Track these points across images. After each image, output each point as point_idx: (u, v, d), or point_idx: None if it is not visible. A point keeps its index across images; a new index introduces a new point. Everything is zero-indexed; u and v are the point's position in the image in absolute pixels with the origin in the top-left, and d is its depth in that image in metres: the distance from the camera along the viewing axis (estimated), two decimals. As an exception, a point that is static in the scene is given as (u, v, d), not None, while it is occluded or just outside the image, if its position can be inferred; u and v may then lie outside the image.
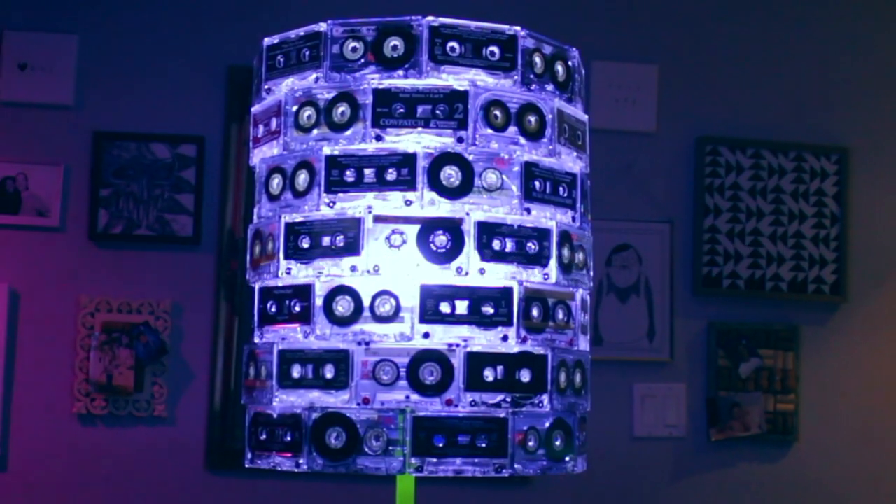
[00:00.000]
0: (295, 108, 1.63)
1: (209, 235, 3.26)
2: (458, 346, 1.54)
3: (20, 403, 3.16)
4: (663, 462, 3.39)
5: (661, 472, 3.39)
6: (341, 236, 1.56)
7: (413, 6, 3.24)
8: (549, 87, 1.66)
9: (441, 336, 1.54)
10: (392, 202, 1.56)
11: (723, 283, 3.43)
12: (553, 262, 1.61)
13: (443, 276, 1.55)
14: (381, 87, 1.58)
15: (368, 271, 1.55)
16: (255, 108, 1.73)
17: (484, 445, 1.54)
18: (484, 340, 1.55)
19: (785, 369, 3.44)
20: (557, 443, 1.60)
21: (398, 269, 1.55)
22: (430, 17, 1.59)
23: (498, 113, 1.60)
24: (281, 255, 1.61)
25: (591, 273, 1.72)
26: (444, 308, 1.55)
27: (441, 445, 1.53)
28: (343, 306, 1.56)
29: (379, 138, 1.58)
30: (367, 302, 1.55)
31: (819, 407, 3.46)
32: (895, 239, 3.56)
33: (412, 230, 1.55)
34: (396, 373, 1.53)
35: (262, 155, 1.70)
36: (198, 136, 3.28)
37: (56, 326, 3.19)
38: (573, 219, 1.67)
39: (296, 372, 1.58)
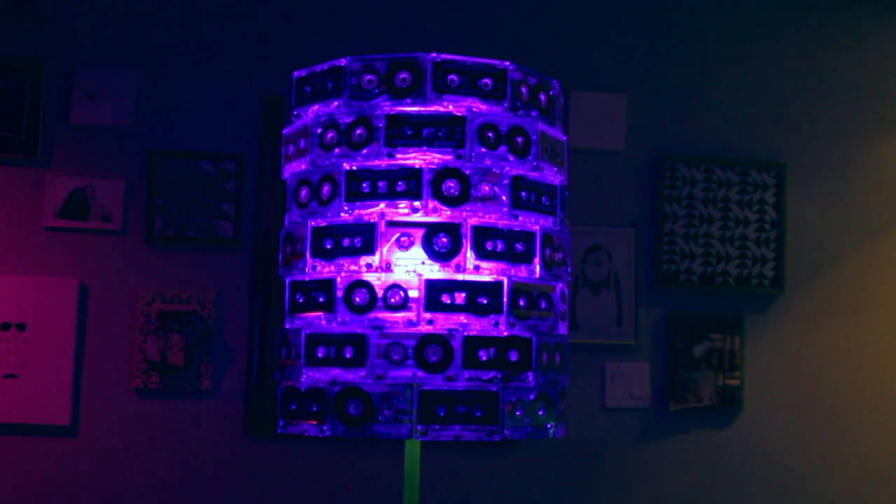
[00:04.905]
0: (320, 130, 1.63)
1: (247, 238, 3.26)
2: (457, 330, 1.54)
3: (89, 379, 3.16)
4: (630, 429, 3.39)
5: (628, 437, 3.39)
6: (359, 238, 1.56)
7: (418, 42, 3.25)
8: (534, 113, 1.66)
9: (443, 322, 1.54)
10: (401, 210, 1.56)
11: (679, 278, 3.43)
12: (537, 260, 1.61)
13: (444, 271, 1.55)
14: (392, 112, 1.58)
15: (381, 268, 1.55)
16: (286, 130, 1.73)
17: (479, 414, 1.54)
18: (479, 326, 1.55)
19: (732, 350, 3.44)
20: (541, 412, 1.60)
21: (406, 266, 1.55)
22: (434, 54, 1.59)
23: (491, 134, 1.59)
24: (308, 254, 1.61)
25: (569, 269, 1.72)
26: (446, 299, 1.54)
27: (443, 414, 1.53)
28: (360, 297, 1.56)
29: (390, 156, 1.58)
30: (380, 294, 1.55)
31: (760, 382, 3.46)
32: (824, 241, 3.55)
33: (418, 233, 1.55)
34: (405, 353, 1.53)
35: (292, 170, 1.70)
36: (238, 154, 3.27)
37: (118, 315, 3.19)
38: (554, 224, 1.67)
39: (320, 352, 1.58)
